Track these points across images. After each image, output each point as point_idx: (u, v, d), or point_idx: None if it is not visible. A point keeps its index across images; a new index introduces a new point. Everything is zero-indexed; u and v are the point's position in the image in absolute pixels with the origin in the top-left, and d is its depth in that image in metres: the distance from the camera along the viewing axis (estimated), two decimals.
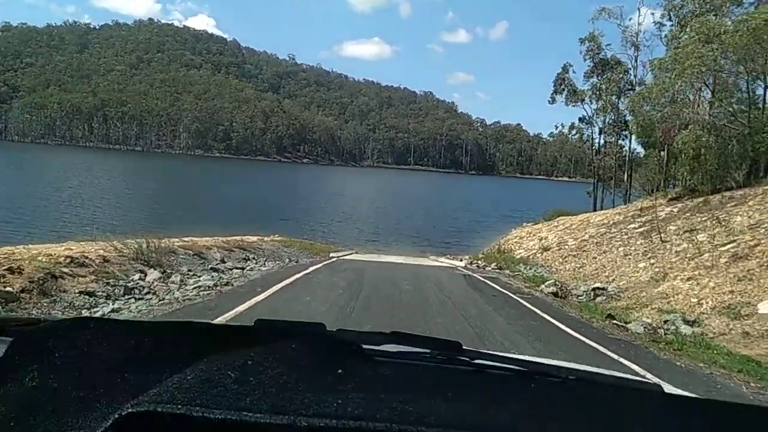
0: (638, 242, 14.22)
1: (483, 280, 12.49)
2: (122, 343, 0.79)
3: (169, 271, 8.48)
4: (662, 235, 13.51)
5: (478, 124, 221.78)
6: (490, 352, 1.22)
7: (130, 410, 0.58)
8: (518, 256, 18.78)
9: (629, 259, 13.27)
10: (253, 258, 12.12)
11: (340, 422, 0.57)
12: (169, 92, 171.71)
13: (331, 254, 16.93)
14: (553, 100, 36.74)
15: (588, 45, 33.58)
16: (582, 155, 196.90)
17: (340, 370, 0.72)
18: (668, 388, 1.16)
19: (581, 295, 10.92)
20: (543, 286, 11.38)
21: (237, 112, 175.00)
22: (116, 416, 0.58)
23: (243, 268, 10.19)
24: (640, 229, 15.21)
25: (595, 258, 14.76)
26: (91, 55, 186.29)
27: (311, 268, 11.56)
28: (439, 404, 0.64)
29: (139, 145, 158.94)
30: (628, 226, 16.24)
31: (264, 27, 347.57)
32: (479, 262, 17.08)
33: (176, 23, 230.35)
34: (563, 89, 36.17)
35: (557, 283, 11.62)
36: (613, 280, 12.16)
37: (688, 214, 14.73)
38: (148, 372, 0.68)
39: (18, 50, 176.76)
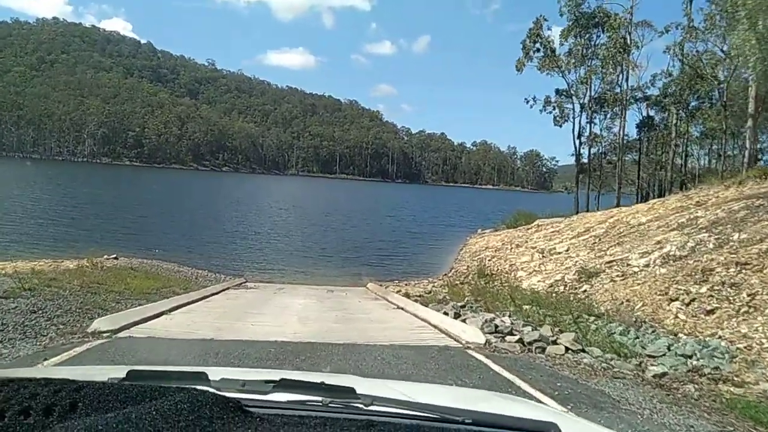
0: None
1: None
2: None
3: None
4: None
5: (404, 133, 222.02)
6: (387, 396, 1.08)
7: None
8: (533, 288, 11.74)
9: None
10: None
11: None
12: (74, 95, 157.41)
13: (149, 306, 7.83)
14: (521, 67, 29.62)
15: None
16: (505, 164, 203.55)
17: None
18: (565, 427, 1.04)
19: None
20: None
21: (150, 118, 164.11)
22: None
23: None
24: None
25: None
26: None
27: None
28: None
29: (37, 152, 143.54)
30: None
31: (183, 33, 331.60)
32: (510, 318, 7.94)
33: (86, 24, 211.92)
34: (538, 49, 28.77)
35: None
36: None
37: None
38: None
39: None
